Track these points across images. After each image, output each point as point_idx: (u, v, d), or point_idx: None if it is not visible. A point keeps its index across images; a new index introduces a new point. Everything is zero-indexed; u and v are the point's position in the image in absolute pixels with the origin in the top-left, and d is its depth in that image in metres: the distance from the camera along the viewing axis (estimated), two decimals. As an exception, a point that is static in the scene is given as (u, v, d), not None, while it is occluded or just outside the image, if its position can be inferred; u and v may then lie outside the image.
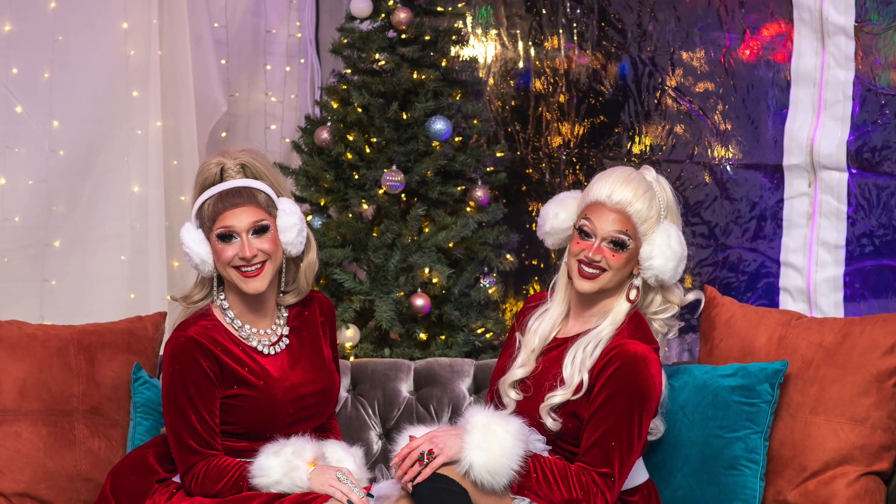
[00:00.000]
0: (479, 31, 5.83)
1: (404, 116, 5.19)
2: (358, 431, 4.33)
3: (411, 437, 3.52)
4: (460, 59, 5.64)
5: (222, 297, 3.73)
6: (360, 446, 3.81)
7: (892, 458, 3.77)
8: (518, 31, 5.70)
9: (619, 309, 3.66)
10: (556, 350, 3.70)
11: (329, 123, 5.27)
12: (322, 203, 5.28)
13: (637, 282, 3.67)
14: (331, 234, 5.20)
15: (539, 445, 3.59)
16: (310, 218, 5.24)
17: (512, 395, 3.71)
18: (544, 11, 5.57)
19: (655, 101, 5.20)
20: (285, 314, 3.80)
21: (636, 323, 3.65)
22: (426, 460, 3.43)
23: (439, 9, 5.33)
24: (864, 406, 3.76)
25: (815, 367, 3.84)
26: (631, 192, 3.61)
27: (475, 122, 5.38)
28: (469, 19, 5.81)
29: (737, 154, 4.95)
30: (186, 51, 5.28)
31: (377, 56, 5.21)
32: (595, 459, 3.50)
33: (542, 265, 5.64)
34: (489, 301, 5.40)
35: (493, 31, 5.79)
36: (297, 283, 3.79)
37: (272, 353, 3.73)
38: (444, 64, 5.30)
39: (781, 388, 3.82)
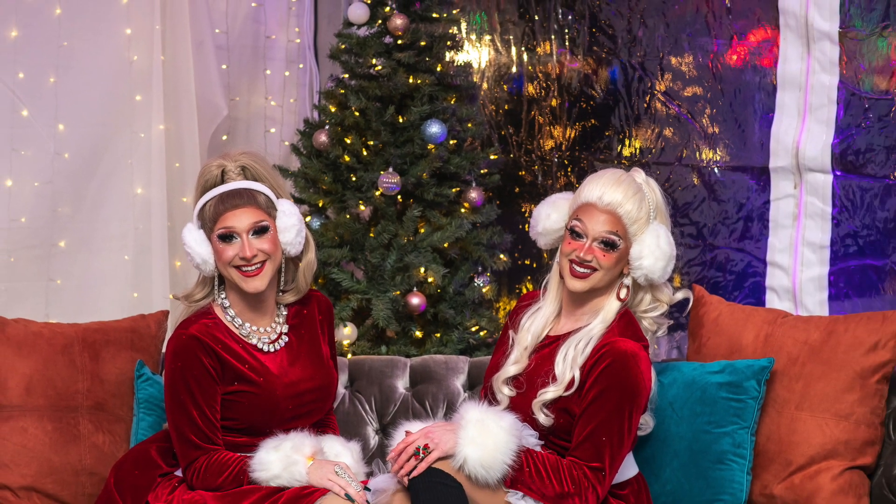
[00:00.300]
0: (473, 36, 5.83)
1: (400, 120, 5.19)
2: (355, 427, 4.33)
3: (407, 433, 3.52)
4: (455, 64, 5.64)
5: (223, 295, 3.73)
6: (358, 441, 3.81)
7: (875, 453, 3.77)
8: (511, 37, 5.70)
9: (609, 307, 3.66)
10: (548, 347, 3.69)
11: (327, 127, 5.27)
12: (320, 204, 5.28)
13: (627, 281, 3.67)
14: (329, 234, 5.19)
15: (532, 440, 3.59)
16: (308, 219, 5.24)
17: (505, 392, 3.70)
18: (537, 18, 5.57)
19: (645, 105, 5.19)
20: (284, 312, 3.80)
21: (626, 321, 3.65)
22: (422, 455, 3.43)
23: (434, 15, 5.33)
24: (849, 402, 3.76)
25: (801, 364, 3.84)
26: (621, 194, 3.61)
27: (469, 125, 5.38)
28: (463, 25, 5.81)
29: (724, 157, 4.95)
30: (188, 56, 5.28)
31: (374, 61, 5.21)
32: (586, 454, 3.50)
33: (534, 265, 5.63)
34: (483, 300, 5.41)
35: (487, 37, 5.79)
36: (296, 282, 3.79)
37: (272, 350, 3.73)
38: (439, 69, 5.30)
39: (768, 384, 3.83)
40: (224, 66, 5.60)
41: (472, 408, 3.52)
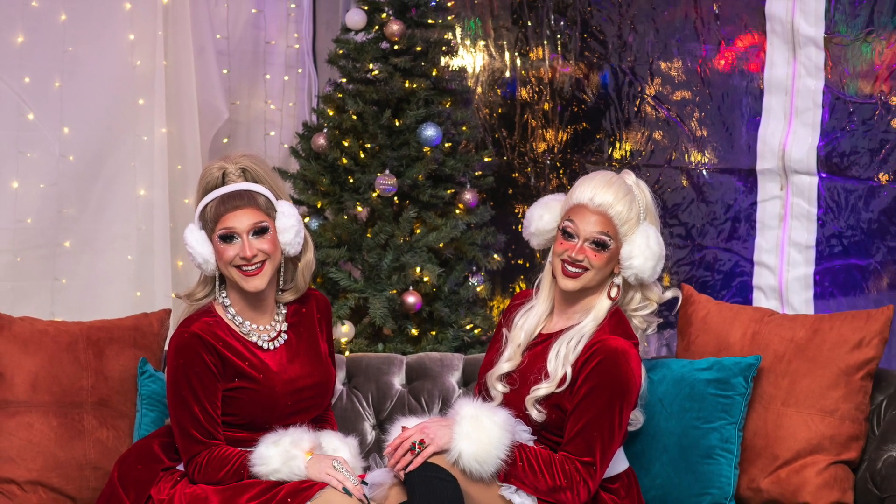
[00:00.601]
0: (467, 42, 5.82)
1: (397, 123, 5.19)
2: (353, 422, 4.32)
3: (403, 428, 3.52)
4: (450, 68, 5.63)
5: (224, 294, 3.73)
6: (355, 436, 3.81)
7: (859, 448, 3.77)
8: (505, 43, 5.70)
9: (600, 306, 3.65)
10: (540, 345, 3.69)
11: (325, 130, 5.27)
12: (319, 205, 5.28)
13: (618, 280, 3.67)
14: (327, 234, 5.19)
15: (525, 436, 3.58)
16: (307, 219, 5.23)
17: (499, 388, 3.70)
18: (530, 24, 5.57)
19: (635, 109, 5.19)
20: (284, 311, 3.80)
21: (617, 319, 3.65)
22: (418, 450, 3.43)
23: (430, 21, 5.32)
24: (834, 398, 3.76)
25: (787, 362, 3.84)
26: (612, 195, 3.60)
27: (464, 128, 5.38)
28: (458, 31, 5.80)
29: (712, 159, 4.95)
30: (190, 61, 5.28)
31: (371, 66, 5.21)
32: (578, 449, 3.49)
33: (527, 264, 5.63)
34: (477, 298, 5.40)
35: (481, 43, 5.79)
36: (295, 281, 3.78)
37: (271, 348, 3.72)
38: (434, 73, 5.30)
39: (755, 381, 3.82)
40: (225, 71, 5.60)
41: (467, 404, 3.52)
